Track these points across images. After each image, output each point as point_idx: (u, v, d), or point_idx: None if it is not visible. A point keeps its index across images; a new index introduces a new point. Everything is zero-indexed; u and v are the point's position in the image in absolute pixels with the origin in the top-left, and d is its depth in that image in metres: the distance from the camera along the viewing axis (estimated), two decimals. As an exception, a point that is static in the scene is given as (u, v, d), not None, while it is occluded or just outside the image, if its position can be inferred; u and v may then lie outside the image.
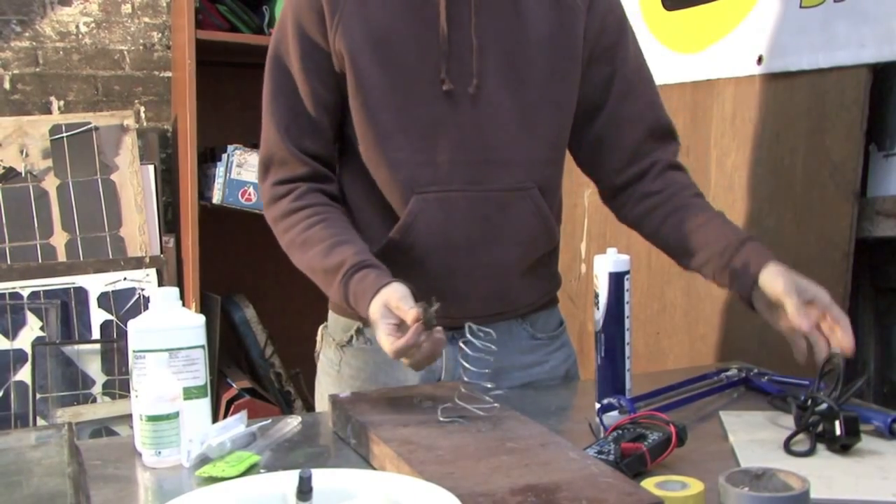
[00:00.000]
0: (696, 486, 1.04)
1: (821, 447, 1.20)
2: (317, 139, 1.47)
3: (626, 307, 1.36)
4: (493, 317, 1.51)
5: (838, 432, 1.19)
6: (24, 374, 2.75)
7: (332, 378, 1.58)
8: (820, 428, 1.21)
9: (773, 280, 1.34)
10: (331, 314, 1.62)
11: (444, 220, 1.44)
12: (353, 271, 1.35)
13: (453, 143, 1.43)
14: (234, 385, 3.02)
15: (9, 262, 2.87)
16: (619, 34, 1.52)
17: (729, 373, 1.54)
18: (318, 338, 1.65)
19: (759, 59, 1.92)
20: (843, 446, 1.19)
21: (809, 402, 1.25)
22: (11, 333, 2.76)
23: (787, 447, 1.20)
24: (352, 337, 1.56)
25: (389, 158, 1.44)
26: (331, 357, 1.59)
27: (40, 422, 2.70)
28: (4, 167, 2.94)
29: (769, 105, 1.89)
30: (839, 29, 1.73)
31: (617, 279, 1.36)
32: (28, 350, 2.75)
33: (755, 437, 1.26)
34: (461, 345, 1.28)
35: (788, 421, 1.28)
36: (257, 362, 3.21)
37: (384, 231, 1.47)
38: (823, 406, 1.22)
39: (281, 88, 1.47)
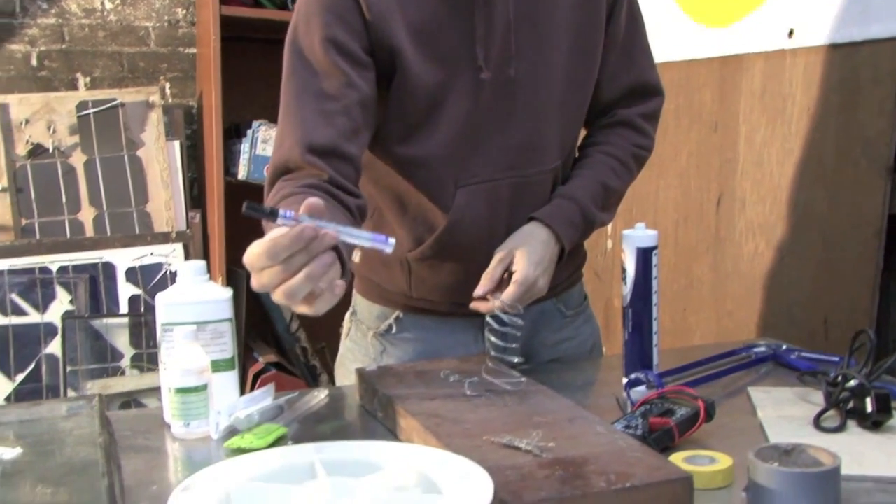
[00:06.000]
0: (724, 461, 1.03)
1: (851, 424, 1.19)
2: (350, 141, 1.31)
3: (654, 282, 1.36)
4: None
5: (869, 409, 1.17)
6: (55, 347, 2.78)
7: None
8: (850, 404, 1.20)
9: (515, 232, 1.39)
10: (361, 301, 1.57)
11: (489, 210, 1.42)
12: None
13: (494, 131, 1.40)
14: (260, 359, 3.04)
15: (38, 236, 2.90)
16: None
17: (757, 349, 1.53)
18: (346, 324, 1.61)
19: (790, 33, 1.89)
20: (875, 423, 1.18)
21: (840, 378, 1.24)
22: (42, 307, 2.79)
23: (817, 423, 1.19)
24: (391, 326, 1.53)
25: (433, 155, 1.39)
26: (366, 346, 1.55)
27: (71, 393, 2.73)
28: (33, 143, 2.96)
29: (800, 80, 1.87)
30: (873, 1, 1.70)
31: (644, 254, 1.35)
32: (58, 323, 2.78)
33: (784, 413, 1.25)
34: (488, 319, 1.28)
35: (818, 397, 1.27)
36: (283, 337, 3.22)
37: (426, 232, 1.43)
38: (854, 382, 1.21)
39: (306, 87, 1.32)
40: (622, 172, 1.50)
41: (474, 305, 1.34)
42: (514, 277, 1.33)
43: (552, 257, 1.40)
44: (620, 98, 1.52)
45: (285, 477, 0.96)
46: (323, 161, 1.28)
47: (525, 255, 1.35)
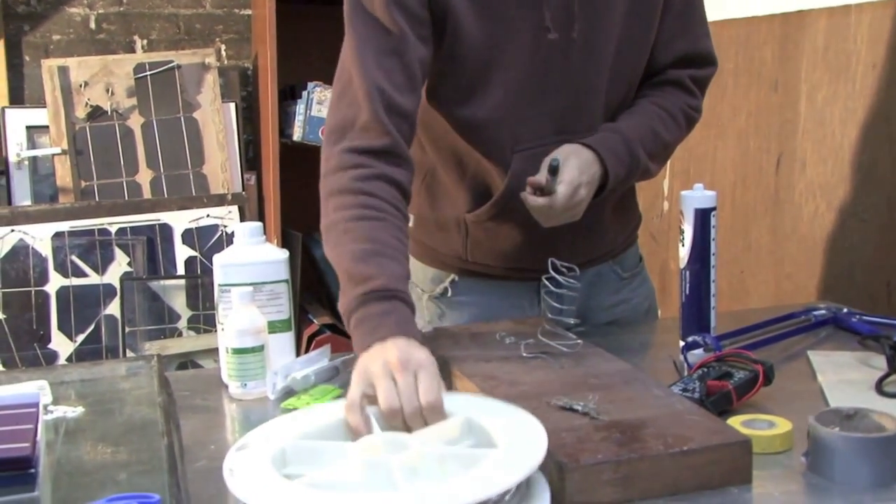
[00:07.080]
0: (783, 425, 1.02)
1: (915, 389, 1.17)
2: (409, 96, 1.30)
3: (712, 244, 1.34)
4: (590, 262, 1.49)
5: (933, 373, 1.15)
6: (114, 308, 2.83)
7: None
8: (915, 369, 1.18)
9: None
10: (416, 264, 1.54)
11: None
12: (382, 296, 1.18)
13: (549, 94, 1.37)
14: (315, 321, 3.07)
15: (97, 198, 2.94)
16: None
17: (817, 312, 1.50)
18: None
19: (856, -13, 1.84)
20: (939, 388, 1.16)
21: (903, 342, 1.21)
22: (101, 268, 2.84)
23: (879, 388, 1.17)
24: (446, 289, 1.52)
25: (489, 118, 1.36)
26: (420, 309, 1.52)
27: (129, 354, 2.78)
28: (92, 106, 3.00)
29: (866, 36, 1.81)
30: (943, -47, 1.65)
31: (703, 215, 1.33)
32: (117, 285, 2.83)
33: (845, 377, 1.23)
34: (544, 280, 1.27)
35: (880, 361, 1.24)
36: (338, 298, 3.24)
37: (484, 194, 1.41)
38: (918, 346, 1.19)
39: (369, 42, 1.30)
40: (671, 124, 1.44)
41: (524, 195, 1.30)
42: (561, 177, 1.28)
43: (594, 177, 1.33)
44: (673, 64, 1.47)
45: (340, 434, 0.97)
46: (387, 117, 1.27)
47: (569, 162, 1.30)
